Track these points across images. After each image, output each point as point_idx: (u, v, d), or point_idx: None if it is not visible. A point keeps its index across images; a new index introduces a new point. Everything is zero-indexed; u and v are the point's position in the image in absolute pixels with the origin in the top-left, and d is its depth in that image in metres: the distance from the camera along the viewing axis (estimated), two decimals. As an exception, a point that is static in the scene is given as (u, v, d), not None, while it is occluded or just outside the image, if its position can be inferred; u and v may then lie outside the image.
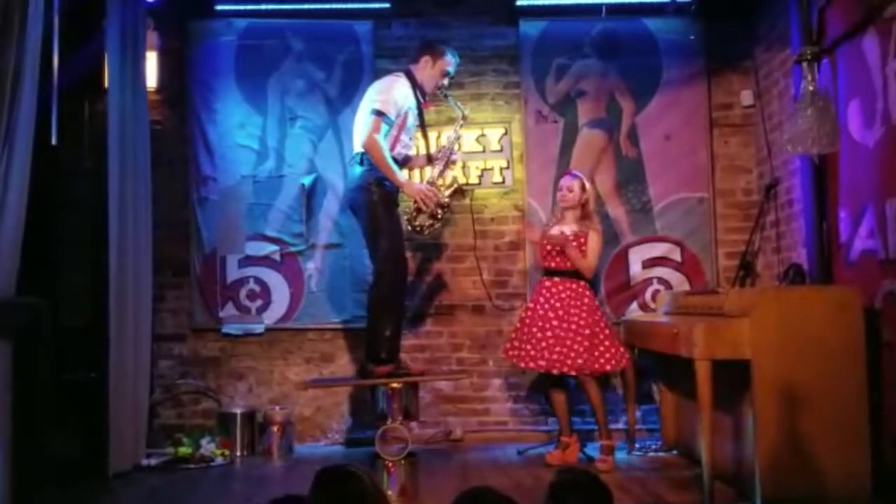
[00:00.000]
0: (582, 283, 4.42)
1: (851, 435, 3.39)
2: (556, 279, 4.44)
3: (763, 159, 5.14)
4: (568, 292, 4.39)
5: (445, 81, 4.53)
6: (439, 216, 4.46)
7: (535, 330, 4.38)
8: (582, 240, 4.42)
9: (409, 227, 4.43)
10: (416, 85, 4.40)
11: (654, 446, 4.76)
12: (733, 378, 3.53)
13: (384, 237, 4.18)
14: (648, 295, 5.23)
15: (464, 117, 4.66)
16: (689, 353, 3.55)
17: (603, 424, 4.38)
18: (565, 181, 4.56)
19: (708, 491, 3.47)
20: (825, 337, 3.43)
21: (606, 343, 4.34)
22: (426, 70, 4.43)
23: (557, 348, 4.29)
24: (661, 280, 5.25)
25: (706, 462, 3.49)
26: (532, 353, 4.37)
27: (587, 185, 4.54)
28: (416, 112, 4.42)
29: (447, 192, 4.51)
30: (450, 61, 4.47)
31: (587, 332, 4.30)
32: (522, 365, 4.47)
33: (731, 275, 5.10)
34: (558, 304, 4.38)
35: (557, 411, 4.54)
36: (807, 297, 3.58)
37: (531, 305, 4.50)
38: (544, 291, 4.45)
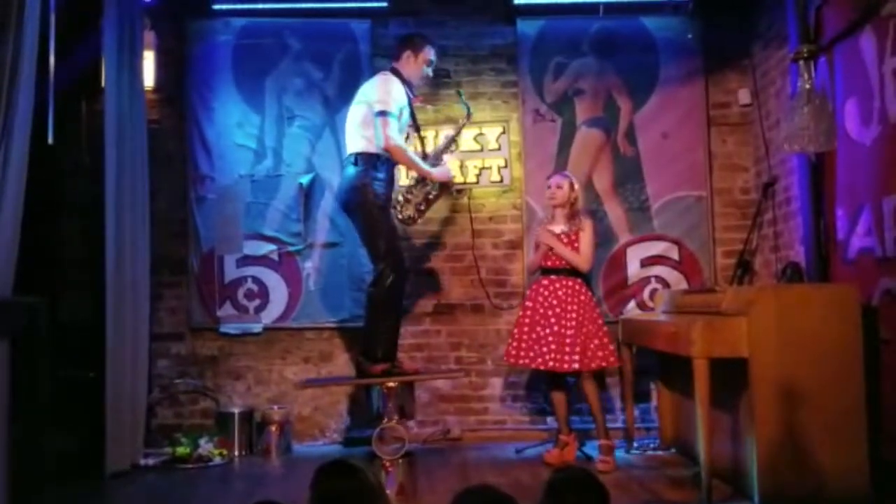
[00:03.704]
0: (578, 280, 4.44)
1: (849, 432, 3.39)
2: (553, 277, 4.47)
3: (761, 158, 5.14)
4: (564, 290, 4.42)
5: (430, 72, 4.55)
6: (423, 208, 4.51)
7: (537, 329, 4.39)
8: (573, 237, 4.46)
9: (399, 218, 4.44)
10: (404, 81, 4.40)
11: (652, 445, 4.76)
12: (731, 376, 3.53)
13: (383, 238, 4.17)
14: (646, 293, 5.24)
15: (468, 116, 4.66)
16: (686, 351, 3.55)
17: (601, 423, 4.38)
18: (554, 180, 4.58)
19: (706, 489, 3.48)
20: (823, 335, 3.43)
21: (597, 341, 4.35)
22: (410, 65, 4.45)
23: (555, 346, 4.32)
24: (658, 279, 5.25)
25: (704, 460, 3.49)
26: (531, 353, 4.39)
27: (575, 184, 4.57)
28: (408, 109, 4.43)
29: (432, 187, 4.51)
30: (430, 51, 4.50)
31: (582, 329, 4.32)
32: (522, 364, 4.47)
33: (728, 273, 5.10)
34: (555, 302, 4.40)
35: (556, 410, 4.54)
36: (804, 295, 3.58)
37: (529, 304, 4.50)
38: (542, 290, 4.47)
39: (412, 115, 4.52)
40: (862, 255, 3.86)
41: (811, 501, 3.34)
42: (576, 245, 4.45)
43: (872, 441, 3.41)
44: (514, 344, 4.47)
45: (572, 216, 4.50)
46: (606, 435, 4.38)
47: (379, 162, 4.21)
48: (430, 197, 4.50)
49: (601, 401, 4.46)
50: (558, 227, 4.52)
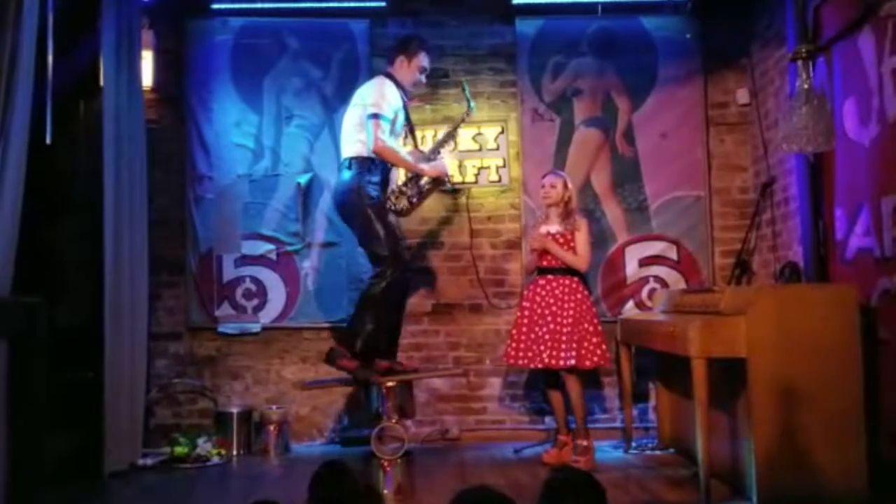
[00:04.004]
0: (575, 279, 4.45)
1: (848, 432, 3.39)
2: (550, 276, 4.48)
3: (759, 158, 5.15)
4: (561, 288, 4.43)
5: (423, 78, 4.53)
6: (415, 201, 4.42)
7: (535, 329, 4.40)
8: (568, 236, 4.46)
9: (392, 210, 4.37)
10: (398, 85, 4.38)
11: (650, 445, 4.76)
12: (730, 376, 3.53)
13: (382, 241, 4.13)
14: (645, 293, 5.24)
15: (468, 112, 4.63)
16: (685, 351, 3.56)
17: (581, 423, 4.37)
18: (548, 179, 4.59)
19: (704, 489, 3.48)
20: (821, 335, 3.43)
21: (593, 340, 4.36)
22: (403, 69, 4.42)
23: (551, 343, 4.33)
24: (657, 278, 5.25)
25: (703, 460, 3.50)
26: (529, 353, 4.40)
27: (569, 182, 4.58)
28: (404, 112, 4.42)
29: (426, 181, 4.44)
30: (424, 57, 4.47)
31: (579, 327, 4.33)
32: (521, 364, 4.48)
33: (727, 273, 5.11)
34: (552, 301, 4.41)
35: (555, 410, 4.56)
36: (803, 295, 3.59)
37: (526, 305, 4.51)
38: (539, 290, 4.48)
39: (407, 118, 4.50)
40: (860, 255, 3.86)
41: (809, 501, 3.34)
42: (571, 244, 4.46)
43: (871, 441, 3.41)
44: (513, 345, 4.49)
45: (567, 215, 4.51)
46: (586, 435, 4.37)
47: (373, 165, 4.21)
48: (424, 190, 4.44)
49: (584, 400, 4.44)
50: (553, 227, 4.52)
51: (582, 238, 4.47)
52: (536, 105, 5.34)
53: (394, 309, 4.26)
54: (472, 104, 4.66)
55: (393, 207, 4.39)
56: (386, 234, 4.16)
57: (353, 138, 4.27)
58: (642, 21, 5.35)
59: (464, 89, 4.70)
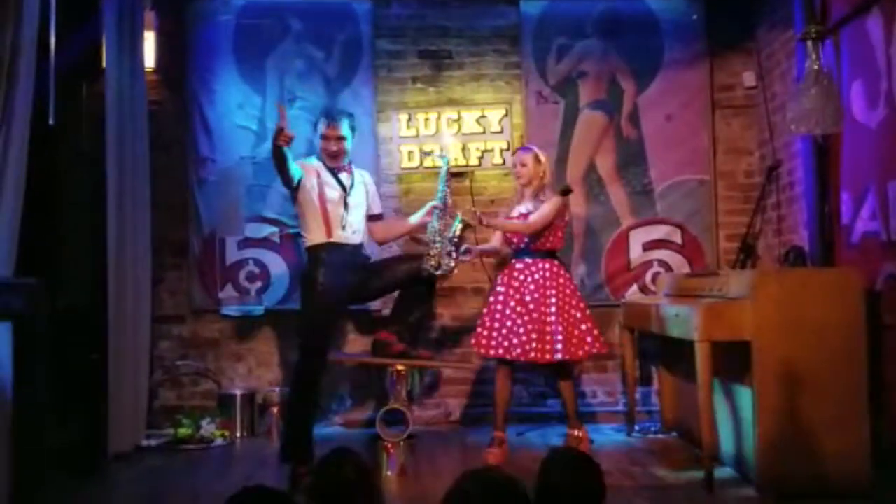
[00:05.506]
0: (555, 261, 4.19)
1: (851, 417, 3.38)
2: (528, 260, 4.18)
3: (765, 141, 5.12)
4: (541, 273, 4.13)
5: (331, 143, 4.23)
6: (454, 255, 4.11)
7: (513, 316, 4.10)
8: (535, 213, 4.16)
9: (431, 271, 4.12)
10: (323, 158, 4.24)
11: (653, 428, 4.77)
12: (733, 360, 3.53)
13: (314, 334, 4.00)
14: (649, 277, 5.22)
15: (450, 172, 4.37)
16: (688, 334, 3.55)
17: (573, 415, 4.23)
18: (517, 156, 4.33)
19: (707, 473, 3.49)
20: (826, 319, 3.41)
21: (582, 327, 4.12)
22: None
23: (535, 335, 4.03)
24: (661, 262, 5.24)
25: (706, 443, 3.50)
26: (506, 343, 4.08)
27: (541, 156, 4.29)
28: (332, 176, 4.19)
29: (456, 231, 4.18)
30: (321, 124, 4.28)
31: (564, 315, 4.07)
32: (499, 354, 4.13)
33: (731, 257, 5.09)
34: (533, 287, 4.11)
35: (498, 403, 4.20)
36: (807, 279, 3.57)
37: (501, 290, 4.20)
38: (517, 274, 4.18)
39: (342, 185, 4.20)
40: (866, 239, 3.85)
41: (812, 486, 3.35)
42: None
43: (874, 425, 3.41)
44: (486, 333, 4.17)
45: (539, 190, 4.23)
46: (579, 426, 4.22)
47: (322, 252, 4.06)
48: (455, 238, 4.14)
49: (576, 391, 4.30)
50: (524, 207, 4.25)
51: (545, 208, 4.10)
52: (541, 87, 5.30)
53: (314, 404, 4.14)
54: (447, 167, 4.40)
55: (431, 271, 4.09)
56: (323, 330, 4.04)
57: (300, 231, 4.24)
58: (648, 3, 5.30)
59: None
